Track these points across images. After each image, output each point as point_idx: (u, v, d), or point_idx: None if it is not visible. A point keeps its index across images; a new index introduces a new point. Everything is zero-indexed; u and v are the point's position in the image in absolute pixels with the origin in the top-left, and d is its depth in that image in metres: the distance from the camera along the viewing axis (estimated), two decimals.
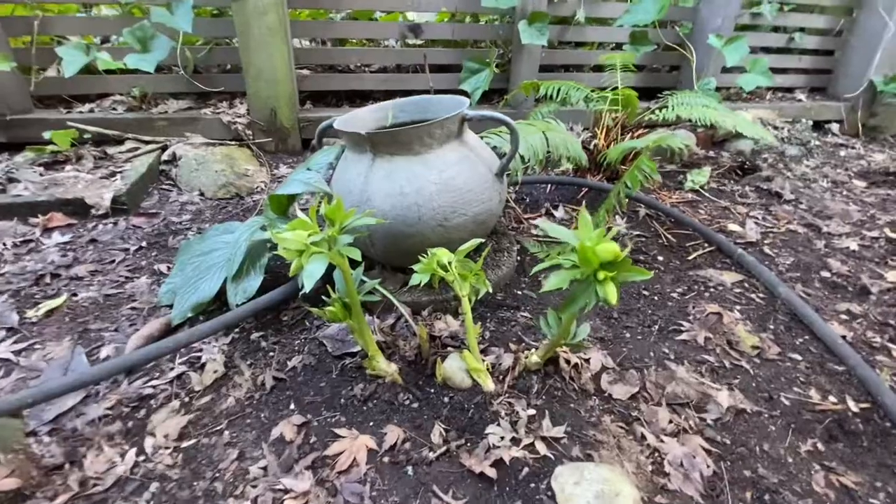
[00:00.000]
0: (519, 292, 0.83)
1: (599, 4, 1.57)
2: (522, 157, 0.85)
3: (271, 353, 0.70)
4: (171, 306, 0.77)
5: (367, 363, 0.63)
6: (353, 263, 0.55)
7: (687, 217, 1.06)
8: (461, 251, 0.62)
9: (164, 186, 1.22)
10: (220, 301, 0.78)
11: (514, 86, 1.52)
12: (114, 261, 0.93)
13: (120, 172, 1.16)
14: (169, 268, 0.92)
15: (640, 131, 1.26)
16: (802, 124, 1.86)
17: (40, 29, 1.21)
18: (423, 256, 0.60)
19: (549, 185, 1.26)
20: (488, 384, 0.60)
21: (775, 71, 1.91)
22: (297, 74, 1.42)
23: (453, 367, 0.61)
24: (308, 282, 0.46)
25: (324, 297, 0.62)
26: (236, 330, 0.75)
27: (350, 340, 0.69)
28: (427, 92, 1.56)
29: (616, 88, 1.27)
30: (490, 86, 1.50)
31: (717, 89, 1.73)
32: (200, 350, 0.70)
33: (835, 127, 1.97)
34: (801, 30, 1.86)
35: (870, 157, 1.78)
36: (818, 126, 1.97)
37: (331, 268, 0.53)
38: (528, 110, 1.48)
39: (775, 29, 1.85)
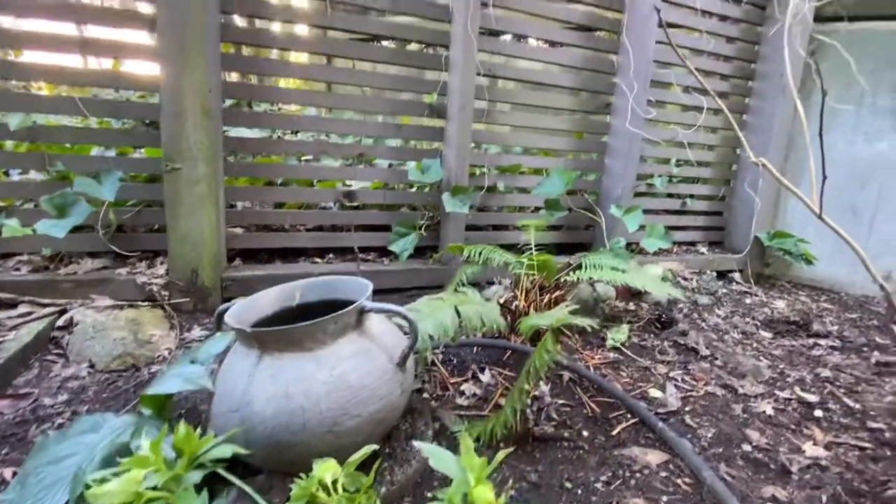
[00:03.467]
0: (429, 494, 0.74)
1: (517, 177, 1.78)
2: (432, 336, 0.84)
3: None
4: None
5: None
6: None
7: (609, 384, 1.05)
8: (350, 463, 0.55)
9: (50, 357, 1.09)
10: None
11: (444, 243, 1.61)
12: None
13: (0, 344, 1.04)
14: (15, 473, 0.76)
15: (556, 292, 1.32)
16: (708, 275, 2.05)
17: None
18: (315, 463, 0.53)
19: (476, 346, 1.24)
20: None
21: (677, 229, 2.18)
22: (228, 233, 1.43)
23: None
24: None
25: None
26: None
27: None
28: (361, 250, 1.61)
29: (538, 249, 1.37)
30: (420, 243, 1.58)
31: (629, 245, 1.91)
32: None
33: (737, 276, 2.18)
34: (691, 196, 2.17)
35: (772, 304, 1.95)
36: (722, 275, 2.18)
37: None
38: (457, 266, 1.53)
39: (670, 195, 2.14)
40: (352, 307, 0.66)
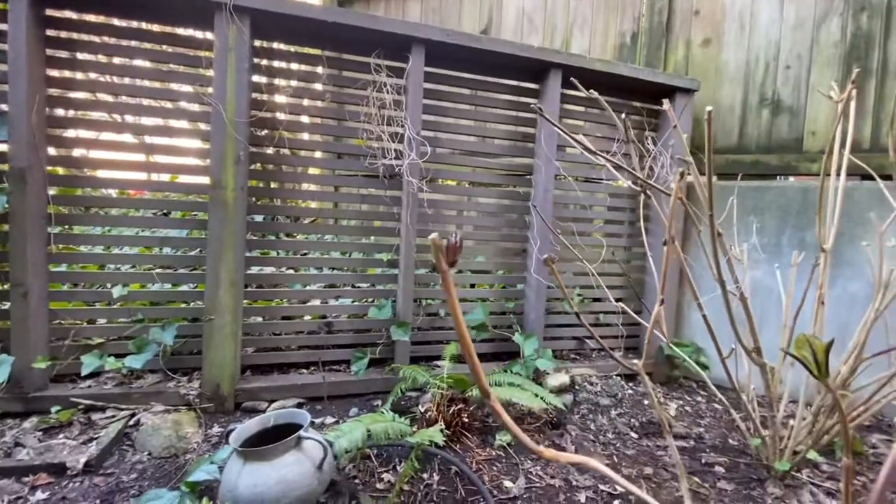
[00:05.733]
0: None
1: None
2: (347, 450, 1.43)
3: None
4: None
5: None
6: None
7: (475, 476, 1.59)
8: None
9: (124, 447, 1.72)
10: None
11: (396, 358, 2.22)
12: None
13: (96, 438, 1.68)
14: None
15: (461, 405, 1.89)
16: (614, 380, 2.56)
17: (75, 335, 1.89)
18: None
19: (400, 446, 1.81)
20: None
21: (593, 338, 2.72)
22: (242, 354, 2.09)
23: None
24: None
25: None
26: None
27: None
28: (336, 363, 2.24)
29: (479, 356, 1.96)
30: (379, 356, 2.20)
31: (555, 352, 2.47)
32: None
33: (647, 379, 2.67)
34: (605, 312, 2.74)
35: (666, 406, 2.43)
36: (633, 377, 2.67)
37: None
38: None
39: (591, 312, 2.71)
40: (291, 437, 1.27)
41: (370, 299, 2.32)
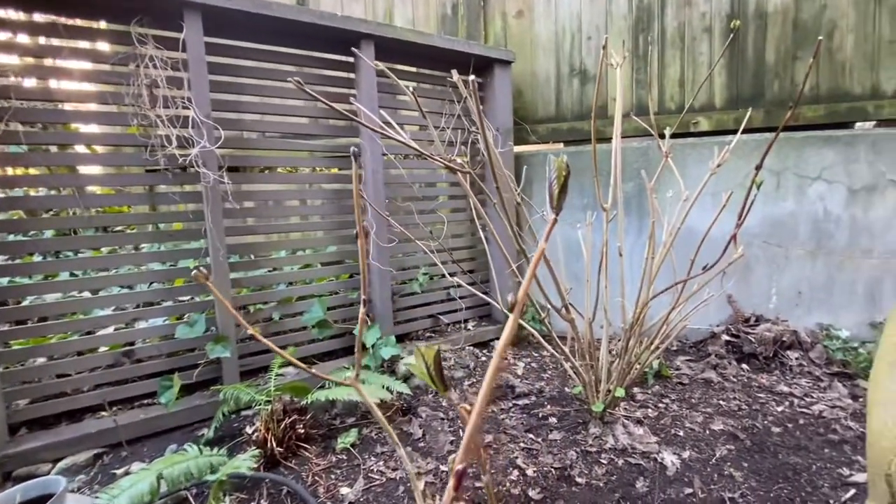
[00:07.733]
0: None
1: (293, 305, 2.21)
2: None
3: None
4: None
5: None
6: None
7: (304, 492, 1.47)
8: None
9: None
10: None
11: (225, 380, 1.96)
12: None
13: None
14: None
15: (294, 416, 1.73)
16: (466, 350, 2.63)
17: None
18: None
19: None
20: None
21: (447, 313, 2.75)
22: (10, 410, 1.65)
23: None
24: None
25: None
26: None
27: None
28: (147, 396, 1.91)
29: (327, 355, 1.78)
30: (203, 378, 1.92)
31: (400, 337, 2.42)
32: None
33: (496, 343, 2.80)
34: (454, 286, 2.77)
35: (515, 365, 2.56)
36: (486, 345, 2.78)
37: None
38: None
39: (445, 288, 2.72)
40: None
41: (189, 315, 2.01)
